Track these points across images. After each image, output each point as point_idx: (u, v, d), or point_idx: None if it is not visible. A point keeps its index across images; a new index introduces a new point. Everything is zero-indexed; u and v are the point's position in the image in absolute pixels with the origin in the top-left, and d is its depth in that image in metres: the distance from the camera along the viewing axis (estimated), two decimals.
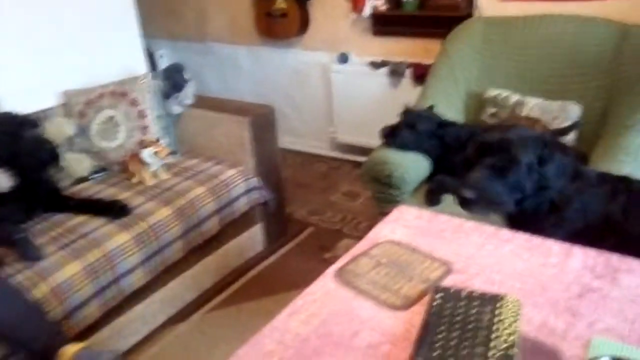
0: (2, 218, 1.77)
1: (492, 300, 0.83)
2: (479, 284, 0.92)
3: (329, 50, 3.31)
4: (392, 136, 2.14)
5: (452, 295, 0.85)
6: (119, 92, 2.39)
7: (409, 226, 1.12)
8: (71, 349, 1.47)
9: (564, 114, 2.15)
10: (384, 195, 2.11)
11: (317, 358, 0.77)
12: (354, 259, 1.01)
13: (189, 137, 2.53)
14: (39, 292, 1.59)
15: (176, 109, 2.50)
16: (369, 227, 2.65)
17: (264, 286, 2.30)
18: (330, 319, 0.85)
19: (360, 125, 3.29)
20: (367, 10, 2.95)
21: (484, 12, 2.64)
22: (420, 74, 2.85)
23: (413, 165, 2.08)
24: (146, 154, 2.17)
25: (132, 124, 2.36)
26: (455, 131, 2.15)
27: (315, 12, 3.29)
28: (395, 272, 0.96)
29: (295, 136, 3.77)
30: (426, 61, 2.84)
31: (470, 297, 0.84)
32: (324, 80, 3.42)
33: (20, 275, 1.62)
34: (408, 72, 2.94)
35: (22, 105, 2.27)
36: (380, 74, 3.04)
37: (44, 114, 2.31)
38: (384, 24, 2.99)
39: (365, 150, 3.39)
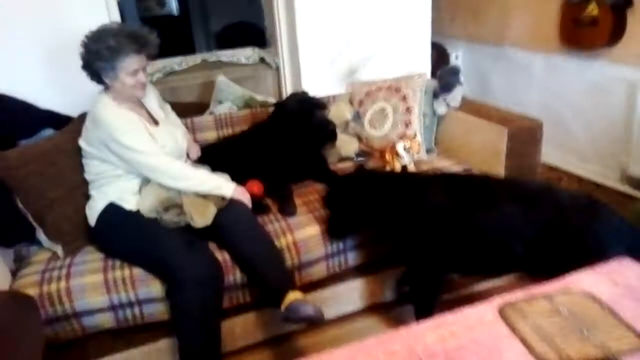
0: (276, 176, 2.19)
1: None
2: None
3: None
4: None
5: None
6: (394, 88, 2.59)
7: (620, 284, 0.92)
8: (294, 295, 1.74)
9: None
10: None
11: None
12: (533, 297, 0.90)
13: (448, 138, 2.56)
14: (284, 241, 1.93)
15: (442, 109, 2.55)
16: None
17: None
18: (468, 347, 0.80)
19: None
20: None
21: None
22: None
23: None
24: (400, 146, 2.31)
25: (399, 118, 2.54)
26: None
27: (634, 21, 2.79)
28: (572, 327, 0.82)
29: (580, 159, 3.33)
30: None
31: None
32: (627, 100, 2.91)
33: (273, 224, 1.99)
34: None
35: (318, 89, 2.73)
36: None
37: (332, 99, 2.70)
38: None
39: None
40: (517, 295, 0.91)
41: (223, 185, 1.93)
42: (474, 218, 1.64)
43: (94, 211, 1.88)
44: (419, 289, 1.90)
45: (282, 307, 1.74)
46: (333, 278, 2.04)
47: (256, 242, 1.87)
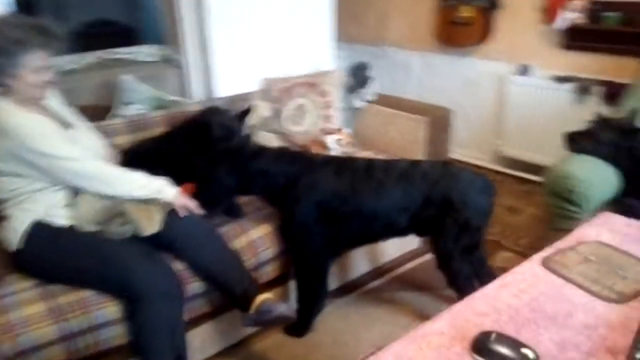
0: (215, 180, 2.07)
1: None
2: None
3: (508, 61, 3.26)
4: (574, 141, 2.10)
5: None
6: (311, 83, 2.64)
7: (617, 232, 1.11)
8: (263, 297, 1.69)
9: None
10: (562, 211, 2.04)
11: (530, 328, 0.82)
12: (560, 251, 1.04)
13: (365, 131, 2.70)
14: (238, 243, 1.85)
15: (358, 104, 2.68)
16: (531, 244, 2.61)
17: (413, 283, 2.37)
18: (540, 297, 0.89)
19: (532, 141, 3.18)
20: (559, 23, 2.85)
21: None
22: (613, 93, 2.68)
23: (600, 182, 1.99)
24: (330, 139, 2.38)
25: (318, 113, 2.60)
26: None
27: (501, 22, 3.26)
28: (606, 269, 0.97)
29: (457, 145, 3.75)
30: (620, 80, 2.66)
31: None
32: (497, 91, 3.37)
33: (223, 227, 1.89)
34: (597, 90, 2.77)
35: (229, 87, 2.65)
36: (564, 90, 2.92)
37: (246, 97, 2.64)
38: (577, 38, 2.86)
39: (532, 167, 3.27)
40: (548, 251, 1.04)
41: (164, 189, 1.75)
42: (362, 203, 1.81)
43: (15, 232, 1.60)
44: (307, 275, 1.95)
45: (252, 311, 1.69)
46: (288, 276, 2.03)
47: (213, 247, 1.77)
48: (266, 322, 1.68)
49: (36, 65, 1.57)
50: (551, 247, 1.05)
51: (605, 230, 1.11)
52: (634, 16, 2.61)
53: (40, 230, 1.60)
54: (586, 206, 1.98)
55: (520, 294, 0.90)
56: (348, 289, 2.33)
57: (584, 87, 2.81)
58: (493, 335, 0.77)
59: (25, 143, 1.53)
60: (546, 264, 0.99)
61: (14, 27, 1.54)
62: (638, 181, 2.01)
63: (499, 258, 2.52)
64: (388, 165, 1.90)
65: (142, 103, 2.50)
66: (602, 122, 2.12)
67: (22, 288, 1.54)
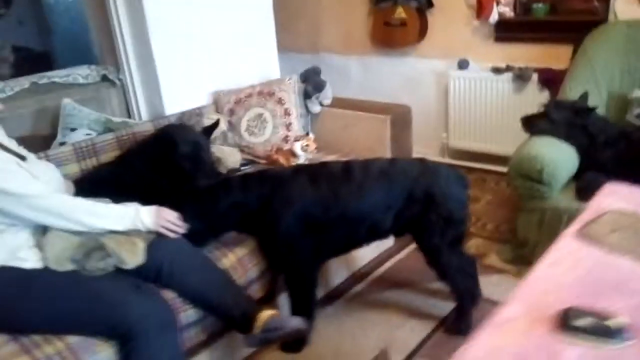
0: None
1: None
2: None
3: (446, 58, 3.38)
4: (531, 124, 2.21)
5: None
6: (267, 92, 2.58)
7: (629, 199, 1.16)
8: (267, 313, 1.60)
9: None
10: (531, 191, 2.13)
11: (600, 299, 0.83)
12: (587, 224, 1.07)
13: (327, 135, 2.67)
14: (227, 262, 1.75)
15: (316, 108, 2.65)
16: (496, 228, 2.70)
17: (395, 282, 2.37)
18: (594, 270, 0.91)
19: (477, 131, 3.32)
20: (492, 17, 3.00)
21: (620, 15, 2.63)
22: (548, 78, 2.86)
23: (564, 161, 2.10)
24: (298, 146, 2.32)
25: (278, 121, 2.53)
26: (602, 123, 2.16)
27: (435, 20, 3.38)
28: (639, 235, 1.01)
29: None
30: (554, 66, 2.85)
31: None
32: (439, 87, 3.49)
33: (207, 247, 1.78)
34: (534, 77, 2.95)
35: (180, 104, 2.52)
36: (503, 80, 3.08)
37: (197, 111, 2.53)
38: (510, 30, 3.04)
39: (479, 156, 3.41)
40: (576, 225, 1.06)
41: (142, 217, 1.60)
42: (346, 207, 1.77)
43: None
44: (300, 287, 1.87)
45: (257, 330, 1.59)
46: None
47: (203, 271, 1.65)
48: (275, 338, 1.59)
49: None
50: (577, 222, 1.08)
51: (618, 199, 1.17)
52: (560, 6, 2.81)
53: (6, 276, 1.41)
54: (554, 184, 2.09)
55: (573, 269, 0.92)
56: (333, 297, 2.28)
57: (520, 76, 2.98)
58: (576, 311, 0.77)
59: None
60: (581, 237, 1.02)
61: None
62: (592, 156, 2.15)
63: (471, 245, 2.58)
64: (366, 165, 1.87)
65: (87, 127, 2.30)
66: (555, 105, 2.25)
67: None
